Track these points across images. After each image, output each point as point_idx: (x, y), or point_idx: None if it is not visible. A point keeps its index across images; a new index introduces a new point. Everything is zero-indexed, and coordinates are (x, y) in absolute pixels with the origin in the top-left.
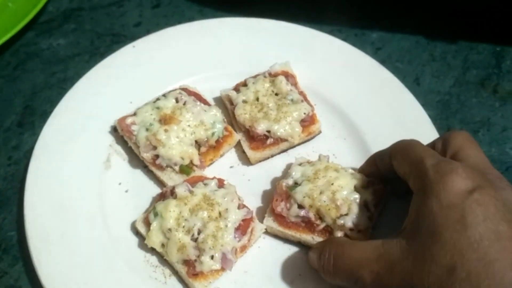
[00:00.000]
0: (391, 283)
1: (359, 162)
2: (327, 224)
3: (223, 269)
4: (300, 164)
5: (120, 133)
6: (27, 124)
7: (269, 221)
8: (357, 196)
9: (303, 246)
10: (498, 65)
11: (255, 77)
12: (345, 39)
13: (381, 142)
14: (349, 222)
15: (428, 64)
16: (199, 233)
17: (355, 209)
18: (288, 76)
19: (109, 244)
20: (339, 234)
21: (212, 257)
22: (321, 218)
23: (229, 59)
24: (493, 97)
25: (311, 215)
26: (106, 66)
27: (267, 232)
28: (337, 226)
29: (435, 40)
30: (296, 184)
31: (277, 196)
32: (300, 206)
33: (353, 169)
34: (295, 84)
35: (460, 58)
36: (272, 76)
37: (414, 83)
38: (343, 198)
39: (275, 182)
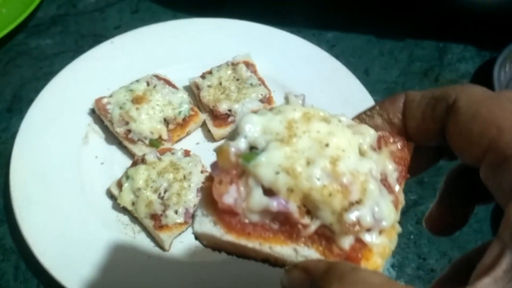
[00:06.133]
0: None
1: None
2: (323, 224)
3: (186, 223)
4: (256, 112)
5: (97, 113)
6: (15, 110)
7: (206, 225)
8: (371, 165)
9: (274, 265)
10: (441, 58)
11: (219, 66)
12: (303, 38)
13: None
14: (367, 216)
15: (377, 59)
16: (165, 192)
17: (374, 190)
18: (249, 64)
19: (85, 205)
20: (347, 241)
21: (176, 212)
22: (310, 212)
23: (197, 53)
24: (435, 85)
25: (293, 208)
26: (87, 58)
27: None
28: (343, 225)
29: (384, 39)
30: (254, 148)
31: (219, 174)
32: (269, 192)
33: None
34: (254, 71)
35: (406, 53)
36: (234, 64)
37: (364, 74)
38: (351, 171)
39: None
